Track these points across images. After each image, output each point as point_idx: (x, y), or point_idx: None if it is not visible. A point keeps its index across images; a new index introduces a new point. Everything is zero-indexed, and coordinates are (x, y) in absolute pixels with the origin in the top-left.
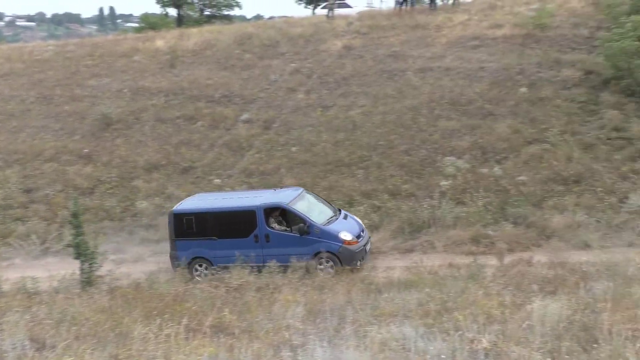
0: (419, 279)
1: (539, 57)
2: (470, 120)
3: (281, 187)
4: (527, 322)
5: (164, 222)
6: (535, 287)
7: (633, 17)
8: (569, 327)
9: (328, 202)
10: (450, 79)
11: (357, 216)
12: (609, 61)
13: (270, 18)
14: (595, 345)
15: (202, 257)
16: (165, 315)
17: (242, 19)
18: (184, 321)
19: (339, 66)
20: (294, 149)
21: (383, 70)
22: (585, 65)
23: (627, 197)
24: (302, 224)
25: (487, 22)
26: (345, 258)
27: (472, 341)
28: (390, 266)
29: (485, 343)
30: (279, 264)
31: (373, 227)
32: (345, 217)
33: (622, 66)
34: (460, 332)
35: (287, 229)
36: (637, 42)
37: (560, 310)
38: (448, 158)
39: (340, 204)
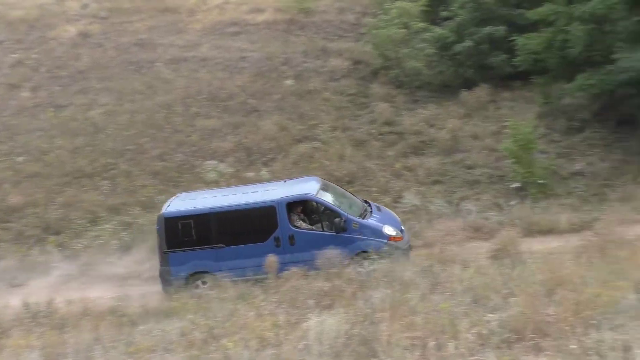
0: (180, 305)
1: (304, 45)
2: (233, 117)
3: (290, 178)
4: (303, 342)
5: None
6: (311, 302)
7: (398, 3)
8: (347, 342)
9: (352, 193)
10: (207, 70)
11: (108, 238)
12: (376, 50)
13: None
14: (374, 359)
15: (205, 272)
16: None
17: None
18: None
19: (74, 57)
20: (20, 158)
21: (128, 62)
22: (353, 54)
23: (401, 196)
24: (337, 219)
25: (246, 5)
26: (392, 257)
27: None
28: (145, 292)
29: None
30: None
31: (124, 248)
32: (379, 208)
33: (390, 55)
34: None
35: (313, 226)
36: (403, 30)
37: (338, 325)
38: (209, 162)
39: (82, 222)
